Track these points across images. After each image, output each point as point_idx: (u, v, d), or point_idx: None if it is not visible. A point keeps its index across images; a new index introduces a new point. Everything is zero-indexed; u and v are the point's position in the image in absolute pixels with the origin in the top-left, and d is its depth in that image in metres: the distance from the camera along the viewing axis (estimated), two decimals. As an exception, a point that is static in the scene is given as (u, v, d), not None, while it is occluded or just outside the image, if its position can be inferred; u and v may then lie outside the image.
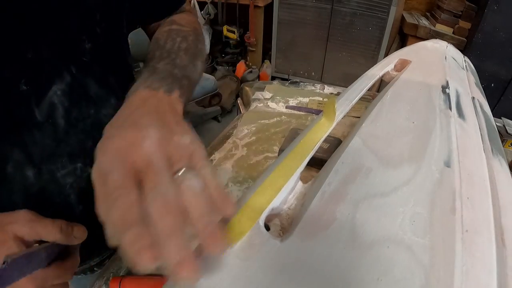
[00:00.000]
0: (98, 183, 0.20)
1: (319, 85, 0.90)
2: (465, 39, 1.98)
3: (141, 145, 0.21)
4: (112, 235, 0.19)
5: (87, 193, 0.38)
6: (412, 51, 0.63)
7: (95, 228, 0.51)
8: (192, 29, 0.46)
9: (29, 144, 0.36)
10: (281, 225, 0.29)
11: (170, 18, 0.48)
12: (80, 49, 0.37)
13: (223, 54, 2.98)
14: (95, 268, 0.56)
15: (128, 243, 0.18)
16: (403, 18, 2.28)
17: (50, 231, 0.30)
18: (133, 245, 0.18)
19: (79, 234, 0.33)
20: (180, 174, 0.21)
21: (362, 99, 0.61)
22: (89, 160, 0.35)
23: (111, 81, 0.43)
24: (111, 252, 0.56)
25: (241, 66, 2.68)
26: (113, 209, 0.19)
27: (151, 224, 0.18)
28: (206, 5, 2.54)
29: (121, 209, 0.19)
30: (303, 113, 0.76)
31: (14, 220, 0.29)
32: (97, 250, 0.54)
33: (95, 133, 0.26)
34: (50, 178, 0.38)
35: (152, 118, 0.24)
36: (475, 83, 0.58)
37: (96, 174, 0.21)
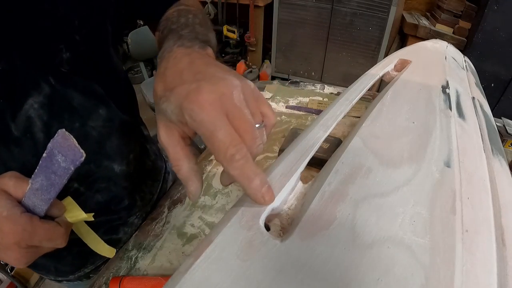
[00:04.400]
0: (209, 132, 0.22)
1: (319, 85, 0.90)
2: (465, 39, 1.98)
3: (232, 96, 0.23)
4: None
5: None
6: (412, 51, 0.63)
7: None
8: (199, 10, 0.45)
9: (8, 160, 0.34)
10: (281, 225, 0.29)
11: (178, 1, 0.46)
12: (57, 59, 0.35)
13: (223, 54, 2.98)
14: (90, 275, 0.55)
15: (257, 188, 0.24)
16: (403, 18, 2.28)
17: None
18: (261, 188, 0.24)
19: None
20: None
21: (362, 99, 0.61)
22: (75, 175, 0.29)
23: (98, 90, 0.40)
24: (105, 260, 0.55)
25: (241, 66, 2.68)
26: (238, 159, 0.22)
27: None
28: (206, 5, 2.54)
29: (247, 159, 0.22)
30: (303, 113, 0.76)
31: (1, 176, 0.28)
32: (91, 259, 0.53)
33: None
34: None
35: (222, 70, 0.25)
36: (475, 83, 0.58)
37: (197, 124, 0.22)
